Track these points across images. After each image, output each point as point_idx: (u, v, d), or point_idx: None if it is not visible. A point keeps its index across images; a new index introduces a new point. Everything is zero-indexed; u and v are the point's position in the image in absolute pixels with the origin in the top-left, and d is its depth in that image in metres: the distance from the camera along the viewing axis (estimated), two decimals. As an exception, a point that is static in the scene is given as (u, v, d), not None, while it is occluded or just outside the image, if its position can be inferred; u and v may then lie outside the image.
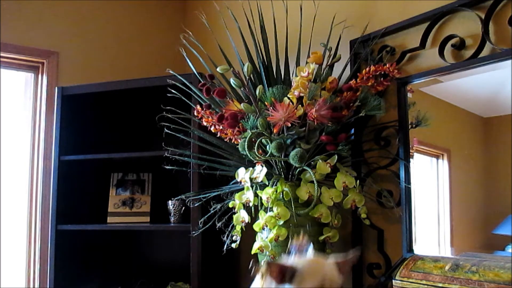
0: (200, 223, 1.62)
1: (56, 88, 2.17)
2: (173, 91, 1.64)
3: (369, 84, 1.44)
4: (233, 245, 1.49)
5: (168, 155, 1.64)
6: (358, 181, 1.39)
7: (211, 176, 1.66)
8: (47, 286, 2.06)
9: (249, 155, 1.40)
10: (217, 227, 1.51)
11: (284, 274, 0.97)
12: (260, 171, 1.40)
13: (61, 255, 2.05)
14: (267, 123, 1.38)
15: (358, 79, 1.45)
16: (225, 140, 1.53)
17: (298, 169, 1.39)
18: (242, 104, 1.42)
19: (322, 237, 1.41)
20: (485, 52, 1.29)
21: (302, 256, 1.06)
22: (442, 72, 1.38)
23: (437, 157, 1.48)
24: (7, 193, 2.27)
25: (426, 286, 1.21)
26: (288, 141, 1.39)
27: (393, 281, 1.29)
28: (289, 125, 1.34)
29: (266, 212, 1.40)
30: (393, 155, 1.51)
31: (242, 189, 1.47)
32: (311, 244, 1.12)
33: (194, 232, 1.71)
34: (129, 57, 2.62)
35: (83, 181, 2.23)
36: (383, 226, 1.56)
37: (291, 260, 1.03)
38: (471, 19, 1.33)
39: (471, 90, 1.42)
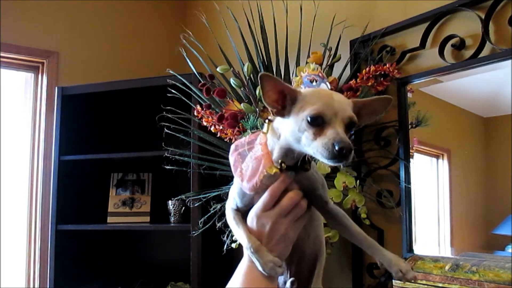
0: (200, 223, 1.62)
1: (56, 88, 2.17)
2: (173, 91, 1.63)
3: (369, 84, 1.43)
4: (233, 245, 1.49)
5: (168, 155, 1.64)
6: (358, 181, 1.39)
7: (211, 176, 1.66)
8: (47, 286, 2.07)
9: (249, 155, 1.40)
10: (217, 227, 1.51)
11: (283, 94, 0.77)
12: (260, 171, 1.40)
13: (61, 255, 2.05)
14: (267, 123, 1.38)
15: (358, 79, 1.45)
16: (225, 140, 1.52)
17: (298, 169, 1.38)
18: (242, 104, 1.42)
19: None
20: (485, 52, 1.29)
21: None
22: (442, 72, 1.38)
23: (437, 157, 1.48)
24: (7, 193, 2.27)
25: (426, 286, 1.21)
26: (288, 141, 1.38)
27: (393, 281, 1.29)
28: (289, 125, 1.34)
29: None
30: (393, 155, 1.51)
31: (242, 189, 1.47)
32: (326, 81, 0.85)
33: (194, 232, 1.71)
34: (129, 57, 2.62)
35: (83, 181, 2.23)
36: (383, 226, 1.56)
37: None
38: (471, 19, 1.33)
39: (471, 90, 1.42)
